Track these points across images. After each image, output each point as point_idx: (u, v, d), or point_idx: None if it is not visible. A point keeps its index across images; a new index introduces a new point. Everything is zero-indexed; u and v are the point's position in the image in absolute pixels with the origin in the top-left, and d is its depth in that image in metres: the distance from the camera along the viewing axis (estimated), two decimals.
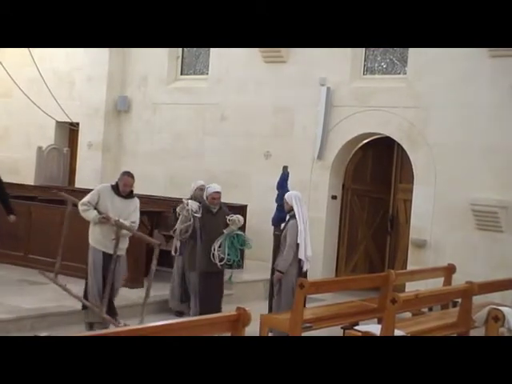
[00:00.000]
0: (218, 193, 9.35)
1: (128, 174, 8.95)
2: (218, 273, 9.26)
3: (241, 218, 9.35)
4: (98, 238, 8.75)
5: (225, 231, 9.06)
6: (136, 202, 9.01)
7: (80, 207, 8.74)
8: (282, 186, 10.39)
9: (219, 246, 8.96)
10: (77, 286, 9.39)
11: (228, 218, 9.15)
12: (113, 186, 8.82)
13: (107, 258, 8.64)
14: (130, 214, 8.79)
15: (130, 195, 8.90)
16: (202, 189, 9.87)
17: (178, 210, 9.45)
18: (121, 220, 8.53)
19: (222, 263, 8.98)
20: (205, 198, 9.40)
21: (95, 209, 8.63)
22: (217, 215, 9.29)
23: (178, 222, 9.35)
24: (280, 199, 9.98)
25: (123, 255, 8.88)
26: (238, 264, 9.32)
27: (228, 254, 8.95)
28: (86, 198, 8.77)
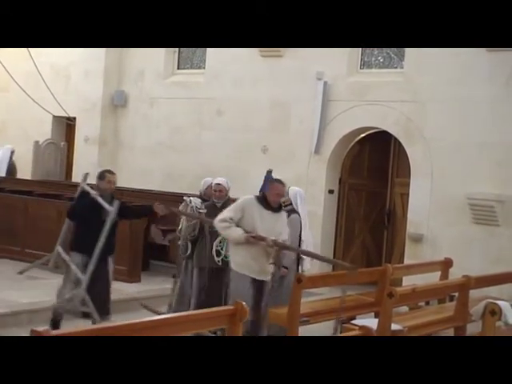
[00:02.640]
0: (219, 185, 8.81)
1: (279, 181, 7.73)
2: (220, 269, 8.61)
3: None
4: (245, 262, 7.38)
5: None
6: (284, 215, 7.76)
7: (220, 224, 7.47)
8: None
9: (220, 242, 8.54)
10: None
11: None
12: (259, 198, 7.58)
13: (256, 285, 7.43)
14: (280, 231, 7.49)
15: (279, 207, 7.65)
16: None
17: (181, 208, 8.85)
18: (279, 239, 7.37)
19: (219, 259, 8.57)
20: (213, 191, 8.94)
21: (238, 226, 7.38)
22: (221, 210, 8.50)
23: (183, 220, 8.77)
24: None
25: (269, 281, 7.64)
26: None
27: (226, 250, 8.49)
28: (226, 214, 7.47)
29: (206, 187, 9.36)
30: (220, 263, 8.56)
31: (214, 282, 8.72)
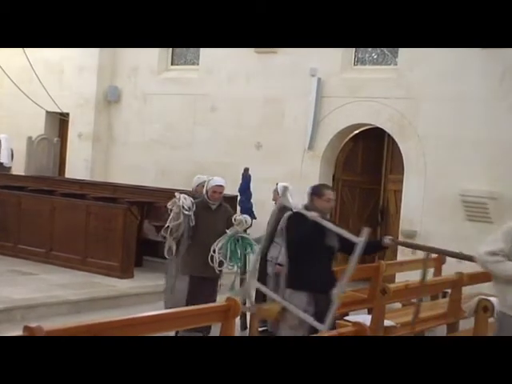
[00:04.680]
0: (221, 186, 8.06)
1: None
2: (212, 279, 7.93)
3: (248, 218, 8.12)
4: None
5: (228, 231, 7.87)
6: None
7: (489, 258, 5.90)
8: (246, 189, 10.25)
9: (220, 249, 7.75)
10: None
11: (234, 217, 7.98)
12: None
13: None
14: None
15: None
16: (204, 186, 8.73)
17: (168, 205, 8.17)
18: None
19: (221, 268, 7.81)
20: (205, 191, 8.12)
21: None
22: (216, 212, 8.03)
23: (169, 218, 8.07)
24: (247, 203, 9.75)
25: None
26: (242, 271, 8.12)
27: (230, 259, 7.78)
28: (492, 246, 5.88)
29: (198, 185, 8.87)
30: (218, 272, 7.90)
31: (201, 293, 7.86)
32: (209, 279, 7.88)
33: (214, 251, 7.74)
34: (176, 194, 8.25)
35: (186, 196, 8.16)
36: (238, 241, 7.86)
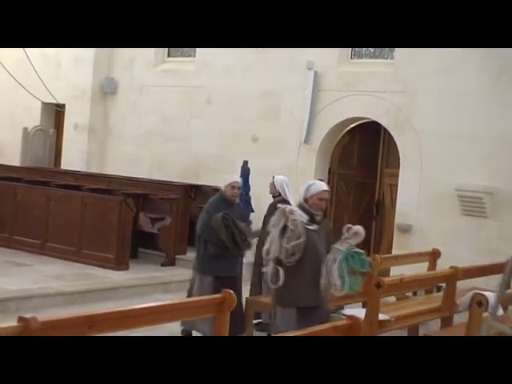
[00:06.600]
0: (327, 192, 6.56)
1: None
2: (320, 308, 6.28)
3: (362, 228, 6.39)
4: None
5: (340, 248, 6.17)
6: None
7: None
8: (245, 182, 10.19)
9: (336, 270, 6.05)
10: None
11: (347, 227, 6.29)
12: None
13: None
14: None
15: None
16: (233, 186, 8.13)
17: (275, 219, 6.08)
18: None
19: (340, 294, 6.20)
20: (303, 199, 6.39)
21: None
22: (320, 225, 6.34)
23: (274, 235, 6.03)
24: (245, 196, 9.68)
25: None
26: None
27: (347, 280, 6.06)
28: None
29: (227, 185, 8.14)
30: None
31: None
32: (316, 308, 6.27)
33: (329, 273, 6.08)
34: (280, 205, 6.38)
35: (298, 208, 6.31)
36: (352, 257, 6.23)
